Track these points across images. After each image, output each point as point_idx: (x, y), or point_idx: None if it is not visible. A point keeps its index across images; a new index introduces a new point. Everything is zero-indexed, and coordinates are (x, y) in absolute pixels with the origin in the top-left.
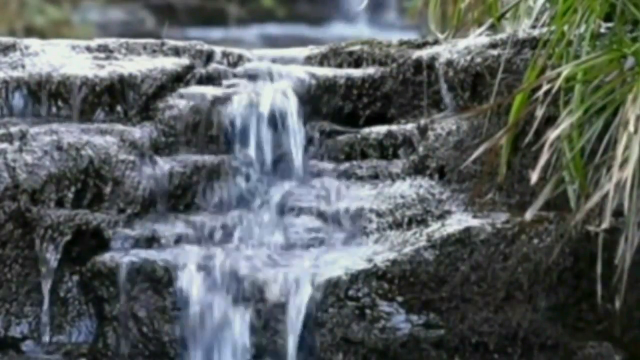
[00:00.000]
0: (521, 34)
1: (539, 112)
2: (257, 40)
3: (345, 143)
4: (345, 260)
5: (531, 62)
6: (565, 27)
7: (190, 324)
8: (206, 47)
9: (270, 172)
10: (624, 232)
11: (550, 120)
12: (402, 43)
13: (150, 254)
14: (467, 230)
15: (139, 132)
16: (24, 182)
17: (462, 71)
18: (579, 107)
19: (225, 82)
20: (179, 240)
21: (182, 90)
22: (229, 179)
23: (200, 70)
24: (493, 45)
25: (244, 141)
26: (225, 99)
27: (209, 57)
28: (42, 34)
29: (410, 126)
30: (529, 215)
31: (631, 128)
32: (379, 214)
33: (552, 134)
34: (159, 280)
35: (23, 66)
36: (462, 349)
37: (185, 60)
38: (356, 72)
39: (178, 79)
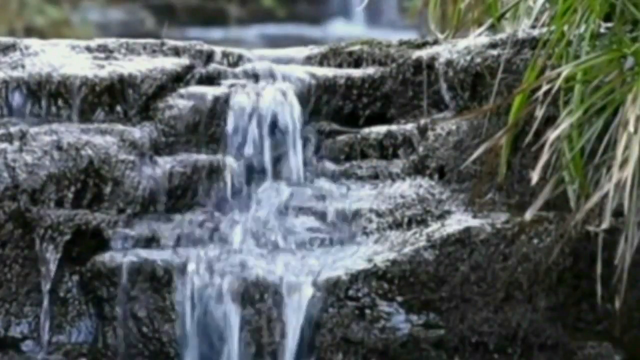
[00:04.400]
0: (521, 34)
1: (539, 112)
2: (257, 40)
3: (345, 143)
4: (345, 260)
5: (531, 62)
6: (565, 27)
7: (190, 324)
8: (206, 47)
9: (270, 172)
10: (624, 232)
11: (550, 120)
12: (402, 43)
13: (150, 254)
14: (467, 230)
15: (139, 132)
16: (24, 182)
17: (462, 71)
18: (578, 107)
19: (225, 82)
20: (179, 240)
21: (182, 90)
22: (228, 179)
23: (200, 70)
24: (493, 45)
25: (243, 141)
26: (225, 99)
27: (209, 57)
28: (42, 34)
29: (410, 126)
30: (529, 215)
31: (631, 128)
32: (379, 214)
33: (552, 134)
34: (159, 280)
35: (23, 66)
36: (462, 349)
37: (185, 60)
38: (356, 72)
39: (178, 79)
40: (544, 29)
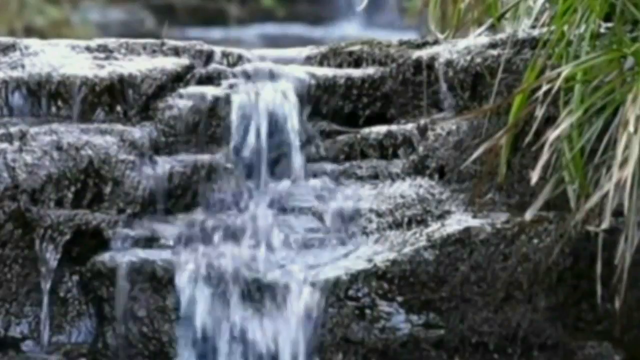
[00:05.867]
0: (521, 34)
1: (539, 112)
2: (257, 40)
3: (345, 143)
4: (345, 260)
5: (531, 62)
6: (565, 27)
7: (189, 324)
8: (206, 47)
9: (270, 172)
10: (624, 232)
11: (550, 120)
12: (402, 43)
13: (150, 254)
14: (467, 230)
15: (139, 132)
16: (23, 182)
17: (462, 71)
18: (578, 107)
19: (225, 82)
20: (179, 240)
21: (182, 90)
22: (228, 179)
23: (200, 70)
24: (493, 45)
25: (243, 141)
26: (225, 99)
27: (208, 57)
28: (42, 34)
29: (410, 126)
30: (528, 215)
31: (631, 128)
32: (379, 214)
33: (552, 134)
34: (159, 280)
35: (23, 66)
36: (462, 349)
37: (185, 60)
38: (356, 72)
39: (178, 79)
40: (544, 29)
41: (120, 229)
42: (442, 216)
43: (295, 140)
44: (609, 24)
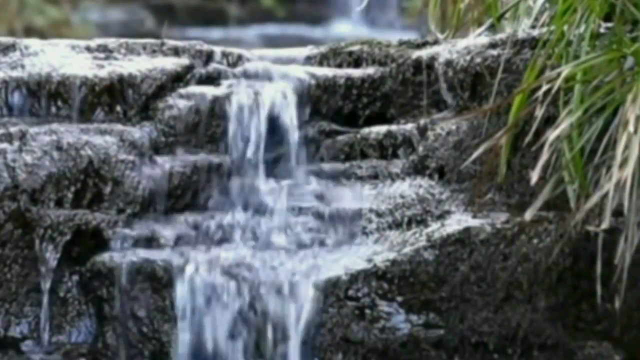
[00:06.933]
0: (521, 34)
1: (539, 112)
2: (257, 40)
3: (345, 143)
4: (345, 260)
5: (531, 62)
6: (565, 27)
7: (189, 324)
8: (206, 47)
9: (269, 172)
10: (624, 232)
11: (550, 120)
12: (401, 43)
13: (150, 254)
14: (467, 230)
15: (139, 132)
16: (23, 182)
17: (462, 71)
18: (578, 107)
19: (225, 82)
20: (178, 240)
21: (182, 90)
22: (228, 179)
23: (200, 70)
24: (493, 45)
25: (243, 141)
26: (224, 99)
27: (208, 57)
28: (42, 34)
29: (410, 126)
30: (528, 215)
31: (631, 128)
32: (379, 214)
33: (552, 134)
34: (159, 280)
35: (23, 66)
36: (461, 349)
37: (185, 60)
38: (356, 72)
39: (178, 79)
40: (544, 29)
41: (120, 229)
42: (442, 216)
43: (294, 140)
44: (609, 24)
